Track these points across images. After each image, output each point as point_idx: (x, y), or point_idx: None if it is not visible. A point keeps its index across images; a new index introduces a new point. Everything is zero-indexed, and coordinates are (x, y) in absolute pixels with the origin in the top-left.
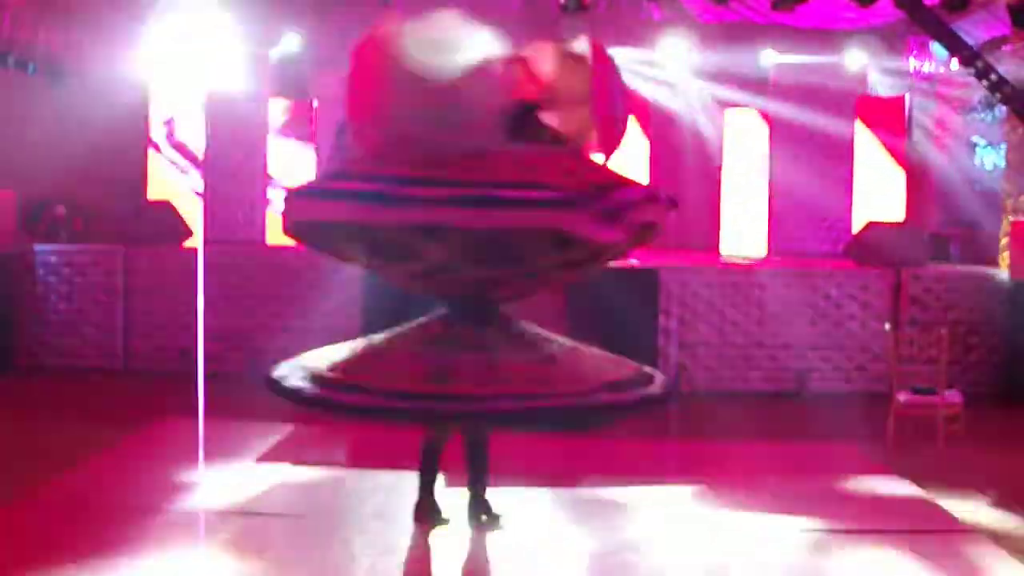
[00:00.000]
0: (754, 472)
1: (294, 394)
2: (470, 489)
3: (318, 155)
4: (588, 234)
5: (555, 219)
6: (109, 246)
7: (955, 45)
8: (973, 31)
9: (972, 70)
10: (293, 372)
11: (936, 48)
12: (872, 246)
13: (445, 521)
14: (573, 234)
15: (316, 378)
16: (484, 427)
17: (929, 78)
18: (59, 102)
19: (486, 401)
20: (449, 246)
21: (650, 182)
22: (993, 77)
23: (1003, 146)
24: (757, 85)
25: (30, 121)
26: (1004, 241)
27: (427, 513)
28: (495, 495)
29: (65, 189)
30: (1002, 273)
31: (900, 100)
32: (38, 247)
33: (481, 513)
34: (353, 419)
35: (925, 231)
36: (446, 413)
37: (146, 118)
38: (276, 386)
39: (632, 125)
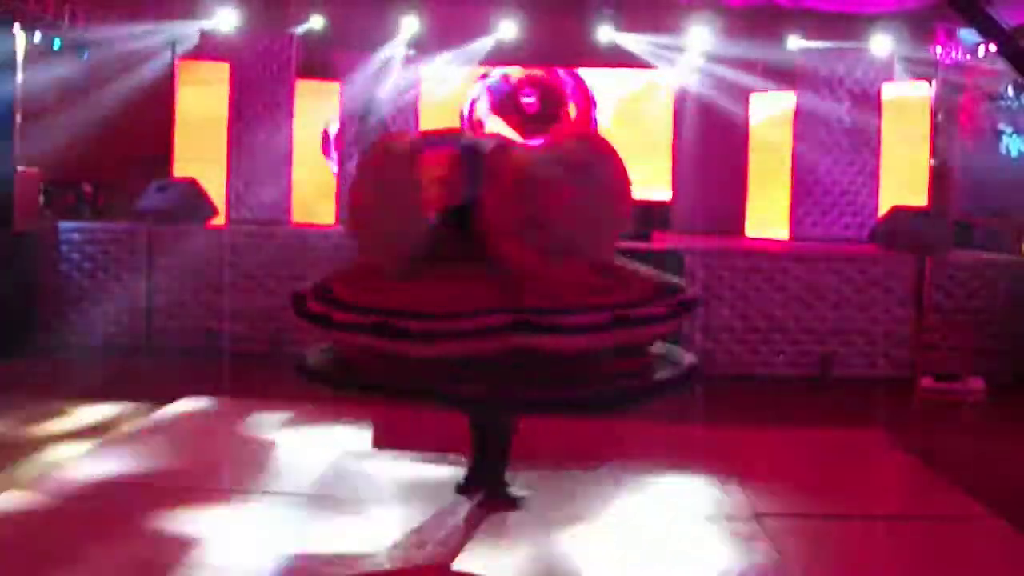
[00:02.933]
0: (776, 457)
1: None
2: (489, 468)
3: (342, 136)
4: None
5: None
6: (133, 224)
7: (989, 28)
8: (1002, 17)
9: (1005, 55)
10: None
11: (963, 35)
12: (896, 232)
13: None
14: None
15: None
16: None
17: (956, 65)
18: (84, 78)
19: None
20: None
21: (674, 168)
22: None
23: None
24: (783, 70)
25: (53, 98)
26: None
27: (469, 487)
28: (516, 475)
29: (90, 166)
30: None
31: (926, 86)
32: (62, 224)
33: (498, 492)
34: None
35: (949, 218)
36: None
37: (172, 95)
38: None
39: (656, 110)
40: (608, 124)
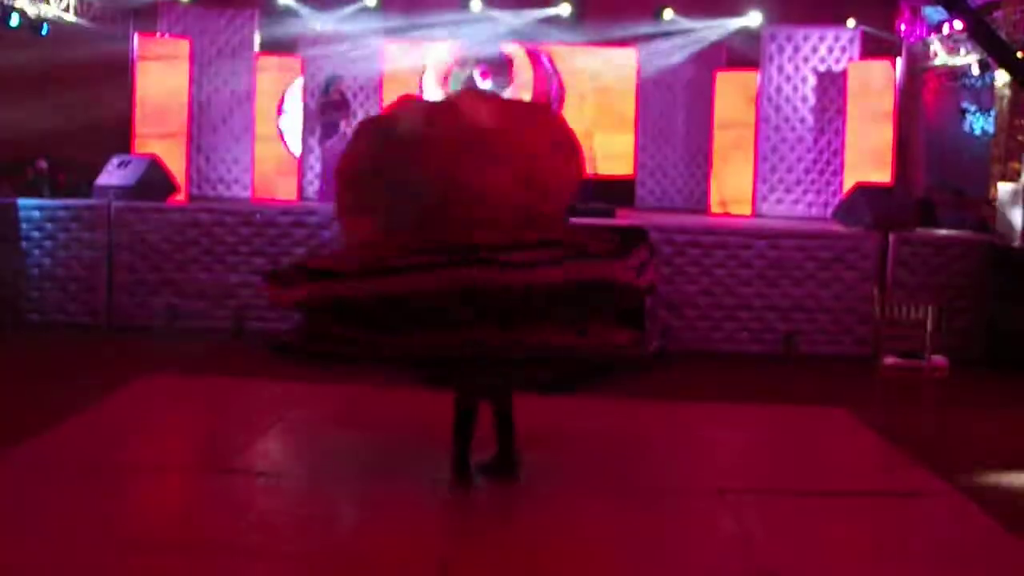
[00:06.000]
0: (739, 433)
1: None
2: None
3: (305, 111)
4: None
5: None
6: (93, 201)
7: (955, 6)
8: None
9: (970, 33)
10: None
11: (928, 13)
12: (860, 208)
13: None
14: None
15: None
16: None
17: (920, 43)
18: (42, 55)
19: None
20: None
21: (638, 145)
22: (994, 41)
23: (993, 112)
24: (748, 49)
25: (12, 74)
26: (992, 206)
27: (459, 476)
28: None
29: (48, 143)
30: (989, 238)
31: (891, 65)
32: (21, 201)
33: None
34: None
35: (913, 195)
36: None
37: (131, 72)
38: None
39: (623, 90)
40: (572, 101)
